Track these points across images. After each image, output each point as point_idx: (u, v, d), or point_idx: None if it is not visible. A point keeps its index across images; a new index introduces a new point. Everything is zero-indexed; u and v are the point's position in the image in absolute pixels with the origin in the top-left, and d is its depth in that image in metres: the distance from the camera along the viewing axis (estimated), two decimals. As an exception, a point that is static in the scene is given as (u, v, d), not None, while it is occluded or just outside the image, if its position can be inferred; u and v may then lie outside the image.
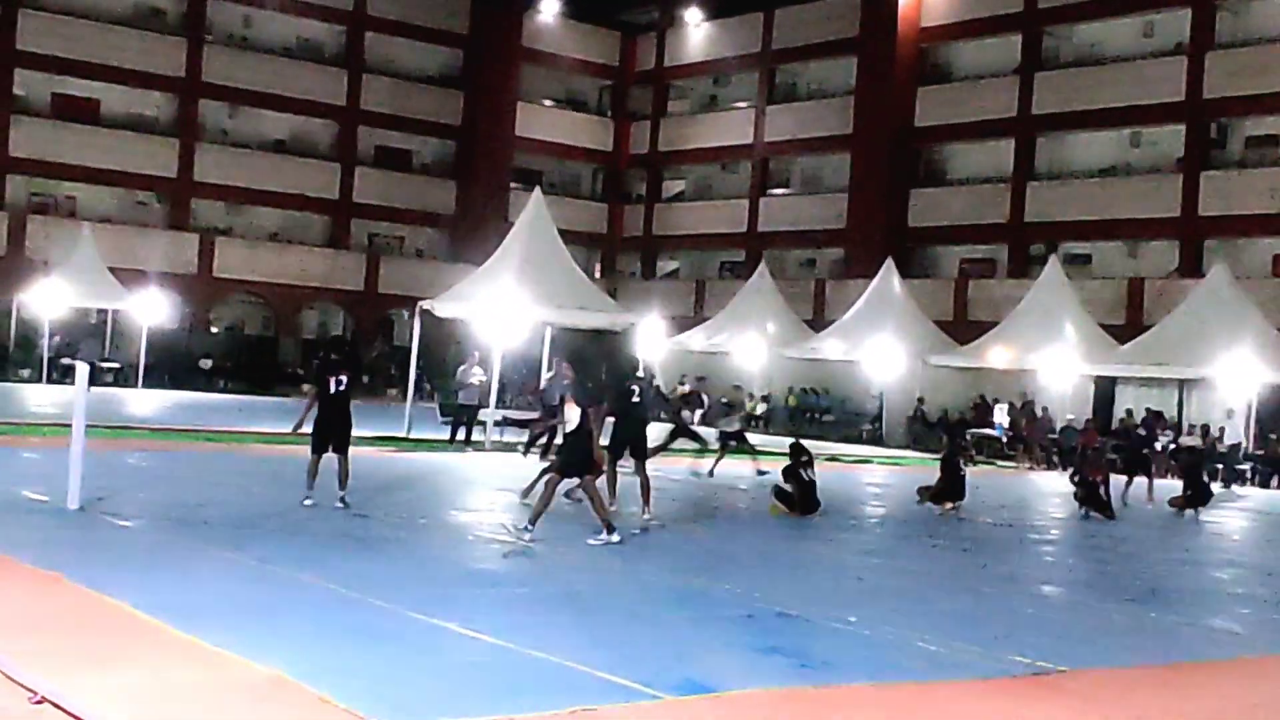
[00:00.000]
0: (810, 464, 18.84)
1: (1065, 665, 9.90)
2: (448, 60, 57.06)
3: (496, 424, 27.63)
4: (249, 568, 11.60)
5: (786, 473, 18.98)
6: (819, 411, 44.19)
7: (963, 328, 40.95)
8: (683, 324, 44.03)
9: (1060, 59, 47.01)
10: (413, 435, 26.82)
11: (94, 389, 14.91)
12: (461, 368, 27.14)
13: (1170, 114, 42.79)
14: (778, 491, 19.07)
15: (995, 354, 36.71)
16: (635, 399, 17.31)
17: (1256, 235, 40.93)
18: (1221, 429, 34.61)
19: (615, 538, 13.98)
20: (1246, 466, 32.89)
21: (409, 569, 12.24)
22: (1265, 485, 32.34)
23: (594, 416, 14.32)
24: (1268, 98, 40.60)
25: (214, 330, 50.01)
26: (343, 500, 15.49)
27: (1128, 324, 38.40)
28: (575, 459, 14.32)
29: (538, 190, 31.06)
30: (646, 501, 16.91)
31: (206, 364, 45.83)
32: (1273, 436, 33.27)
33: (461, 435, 26.55)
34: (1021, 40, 47.14)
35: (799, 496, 18.66)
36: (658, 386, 28.24)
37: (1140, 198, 43.23)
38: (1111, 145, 45.50)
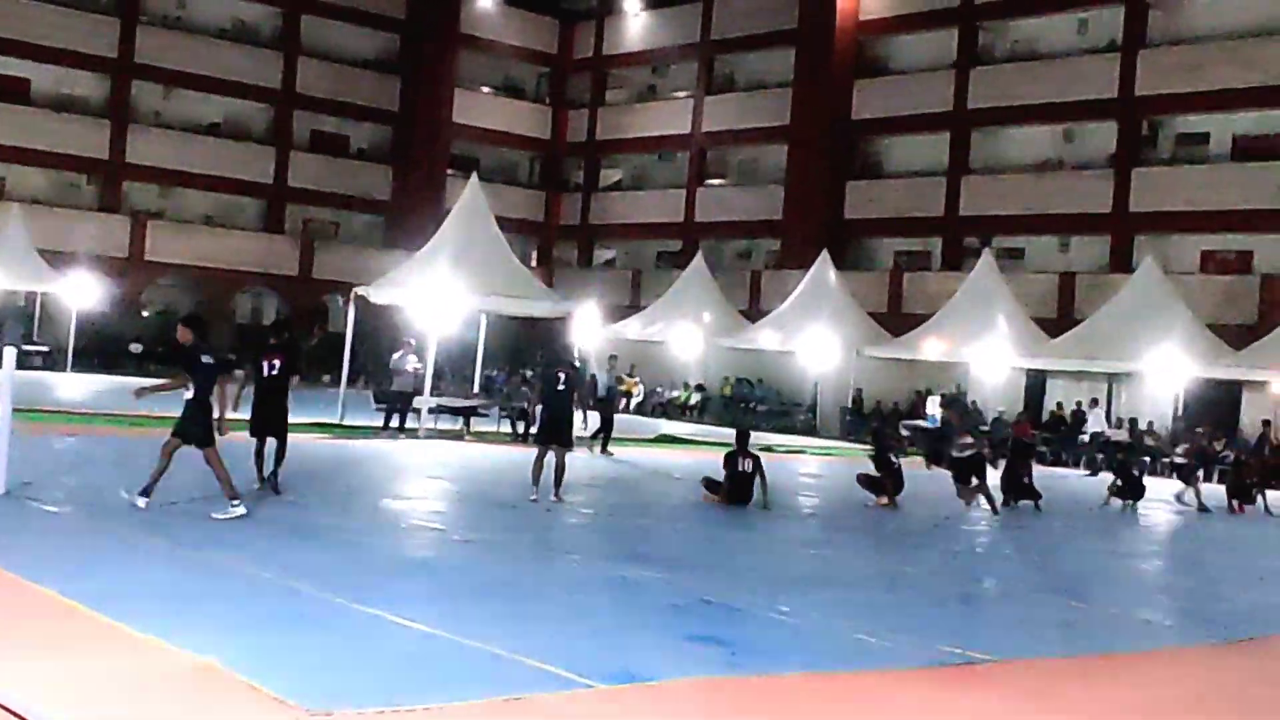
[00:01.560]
0: (747, 455, 18.84)
1: (996, 655, 9.99)
2: (385, 45, 56.66)
3: (431, 411, 27.54)
4: (179, 554, 11.49)
5: (726, 460, 19.01)
6: (754, 402, 44.36)
7: (897, 320, 41.23)
8: (619, 313, 44.04)
9: (996, 54, 47.36)
10: (346, 422, 26.66)
11: (21, 372, 14.68)
12: (396, 355, 27.03)
13: (1103, 111, 43.23)
14: (708, 481, 19.11)
15: (929, 346, 37.01)
16: (560, 387, 17.29)
17: (1185, 231, 41.42)
18: (1084, 416, 35.47)
19: (241, 510, 13.30)
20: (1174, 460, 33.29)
21: (341, 556, 12.17)
22: (1188, 479, 32.69)
23: (221, 385, 13.75)
24: (1198, 96, 41.12)
25: (145, 314, 49.43)
26: (274, 476, 15.48)
27: (1059, 318, 38.80)
28: (192, 429, 13.48)
29: (474, 177, 30.90)
30: (558, 485, 16.93)
31: (137, 348, 45.27)
32: (1199, 430, 33.71)
33: (396, 422, 26.45)
34: (958, 35, 47.45)
35: (731, 486, 18.69)
36: (593, 375, 28.11)
37: (1073, 193, 43.63)
38: (1045, 141, 45.90)
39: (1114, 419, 36.26)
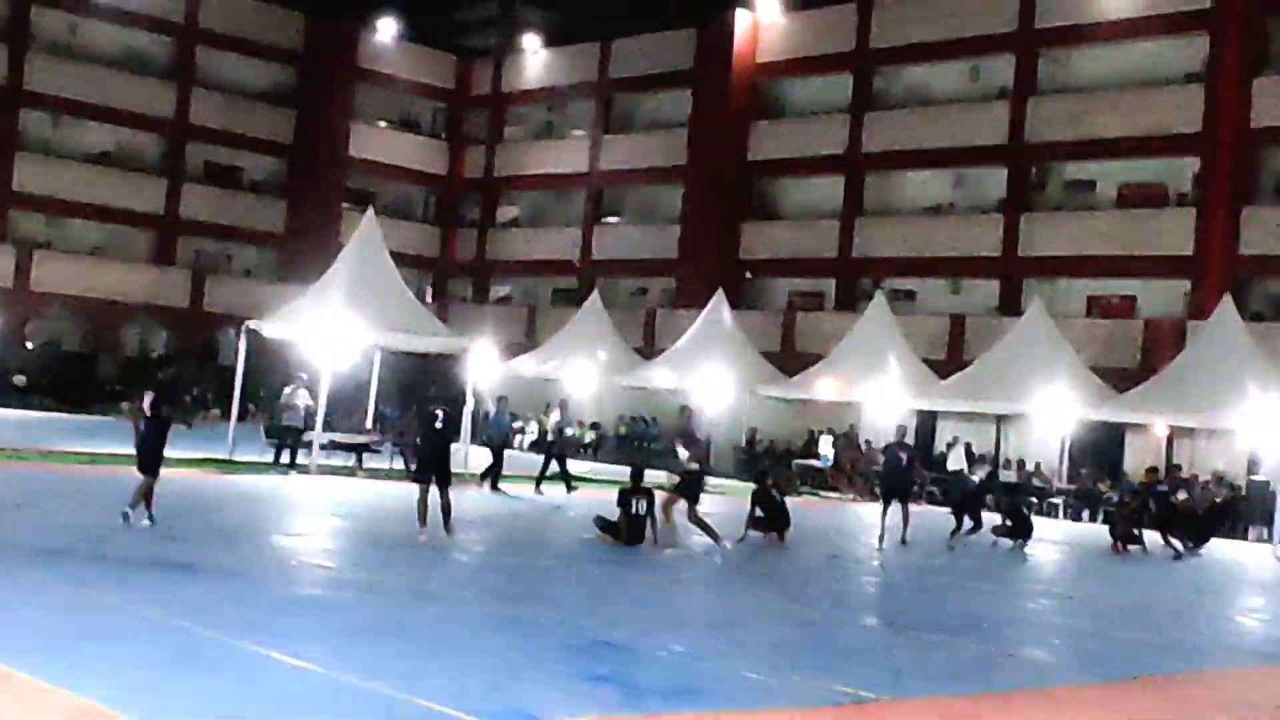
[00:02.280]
0: (640, 494, 18.83)
1: (886, 694, 10.06)
2: (281, 77, 56.25)
3: (323, 447, 27.24)
4: (62, 592, 11.24)
5: (620, 499, 18.96)
6: (648, 440, 44.37)
7: (791, 359, 41.48)
8: (514, 350, 43.87)
9: (890, 99, 48.07)
10: (236, 457, 26.29)
11: (-101, 404, 14.34)
12: (286, 390, 26.74)
13: (993, 156, 43.99)
14: (601, 521, 19.04)
15: (821, 386, 37.29)
16: (438, 424, 17.20)
17: (1072, 276, 42.23)
18: (945, 454, 36.03)
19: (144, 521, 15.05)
20: (1060, 500, 33.85)
21: (229, 594, 11.97)
22: (1078, 519, 33.32)
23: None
24: (1085, 144, 42.03)
25: (30, 346, 48.40)
26: (149, 517, 15.44)
27: (949, 359, 39.34)
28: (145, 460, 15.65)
29: (370, 211, 30.73)
30: (446, 521, 16.84)
31: (21, 380, 44.31)
32: (1083, 471, 34.33)
33: (286, 458, 26.14)
34: (853, 80, 48.12)
35: (625, 525, 18.66)
36: (487, 413, 28.12)
37: (963, 237, 44.34)
38: (937, 185, 46.60)
39: (1002, 460, 36.77)
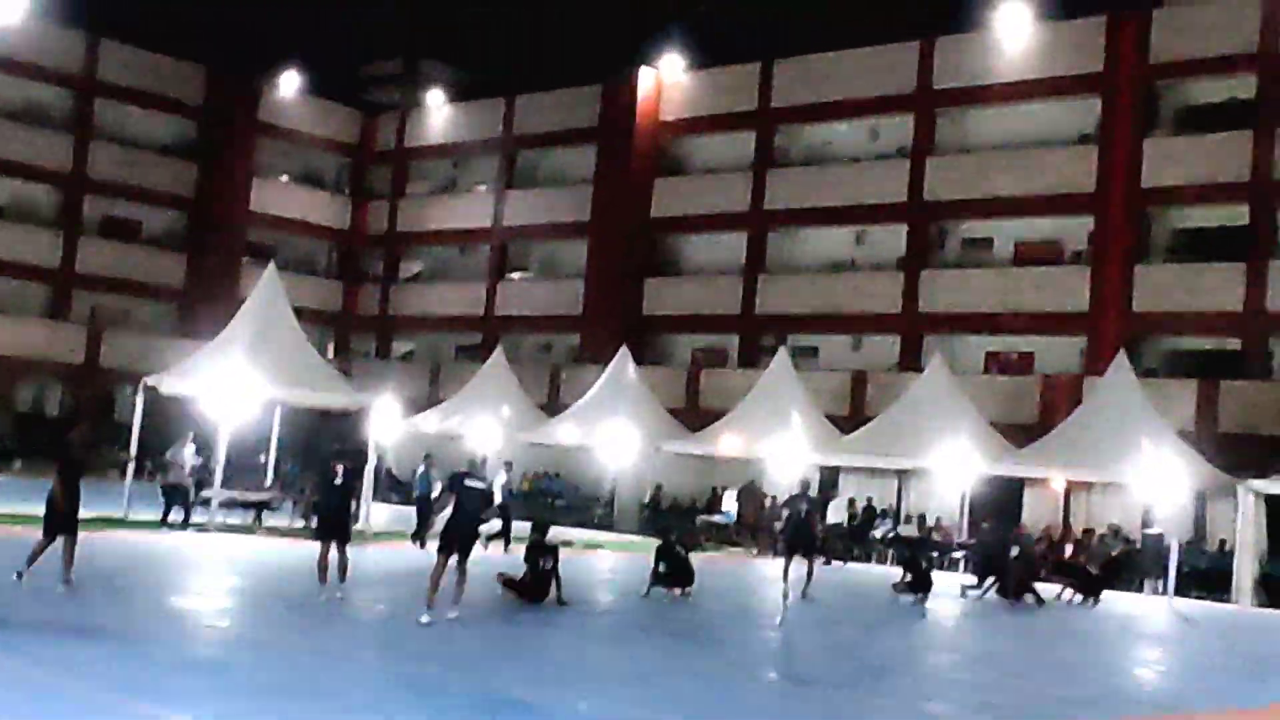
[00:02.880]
0: (546, 551, 18.73)
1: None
2: (181, 130, 55.67)
3: (222, 504, 26.84)
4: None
5: (526, 555, 18.87)
6: (553, 496, 44.20)
7: (695, 415, 41.62)
8: (418, 406, 43.58)
9: (792, 157, 48.63)
10: (132, 516, 25.81)
11: None
12: (173, 448, 26.34)
13: (893, 214, 44.57)
14: (505, 578, 18.92)
15: (725, 441, 37.41)
16: (337, 480, 17.02)
17: (971, 332, 42.81)
18: (874, 511, 36.28)
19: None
20: (961, 554, 34.11)
21: (126, 655, 11.72)
22: (977, 573, 33.50)
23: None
24: (982, 202, 42.77)
25: (-82, 402, 47.32)
26: (67, 581, 15.04)
27: (851, 415, 39.67)
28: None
29: (272, 266, 30.47)
30: (342, 576, 16.65)
31: (-92, 437, 43.32)
32: (985, 526, 34.62)
33: (179, 515, 25.72)
34: (755, 138, 48.62)
35: (530, 582, 18.55)
36: (389, 469, 27.89)
37: (864, 293, 44.82)
38: (838, 242, 47.10)
39: (903, 515, 37.05)
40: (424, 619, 14.95)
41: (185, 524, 25.51)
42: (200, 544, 23.63)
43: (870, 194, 44.87)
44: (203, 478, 27.56)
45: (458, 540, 15.62)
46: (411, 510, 28.94)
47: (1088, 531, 32.90)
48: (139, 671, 10.95)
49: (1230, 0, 39.48)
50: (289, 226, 57.35)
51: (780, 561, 22.58)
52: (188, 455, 25.97)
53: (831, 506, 33.74)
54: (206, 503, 26.63)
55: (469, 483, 16.00)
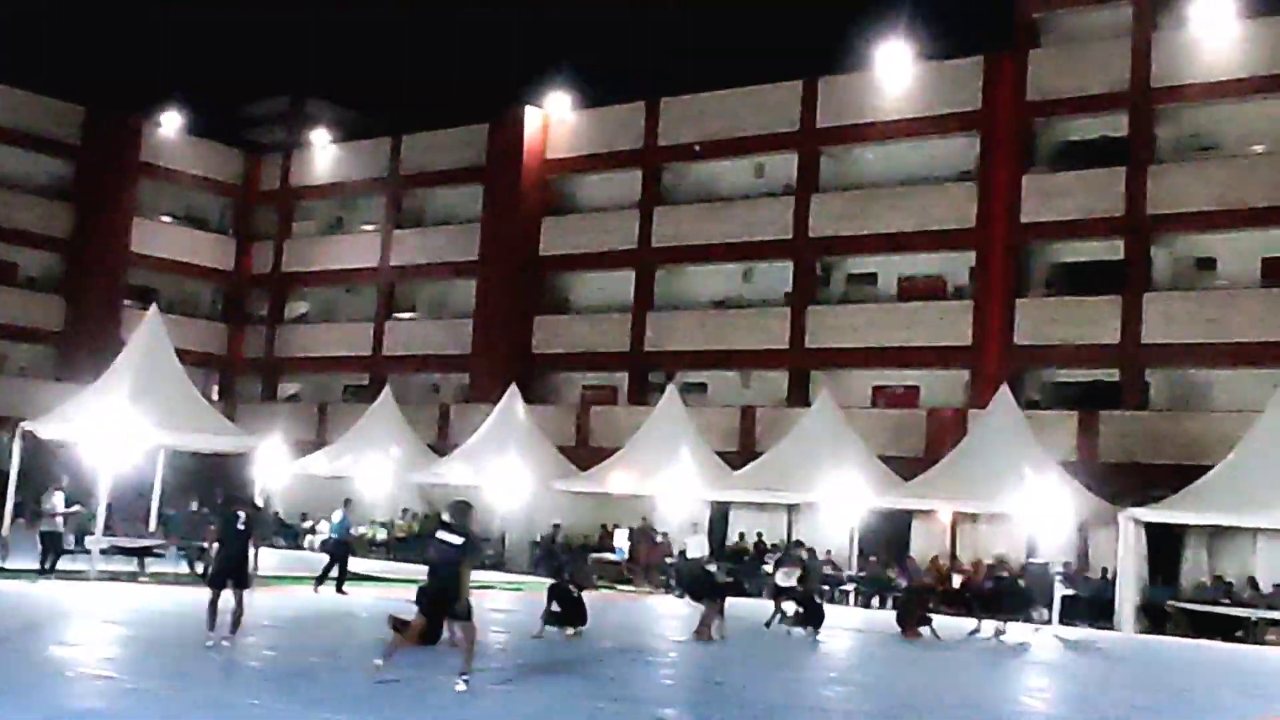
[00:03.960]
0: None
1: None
2: (59, 171, 54.71)
3: (104, 551, 26.28)
4: None
5: (418, 597, 18.62)
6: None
7: (585, 453, 41.63)
8: (305, 448, 43.12)
9: (678, 195, 48.93)
10: (9, 565, 25.18)
11: None
12: (44, 495, 25.81)
13: (779, 250, 44.98)
14: (395, 621, 18.70)
15: (616, 479, 37.43)
16: (240, 526, 16.77)
17: (858, 367, 43.26)
18: (764, 547, 36.47)
19: None
20: (851, 587, 34.39)
21: (3, 708, 11.40)
22: (867, 605, 33.86)
23: None
24: (865, 239, 43.33)
25: None
26: None
27: (741, 450, 39.91)
28: None
29: (154, 308, 30.01)
30: (235, 627, 16.37)
31: None
32: (873, 559, 34.97)
33: (51, 564, 25.16)
34: (642, 176, 48.88)
35: (422, 622, 18.33)
36: (276, 513, 27.54)
37: (752, 329, 45.15)
38: (726, 279, 47.45)
39: (787, 555, 37.12)
40: (459, 688, 14.38)
41: (48, 571, 24.84)
42: (81, 592, 23.12)
43: (756, 231, 45.28)
44: (81, 524, 26.97)
45: (430, 595, 14.98)
46: (300, 554, 28.62)
47: (976, 562, 33.33)
48: (19, 725, 10.68)
49: (1102, 41, 40.52)
50: (171, 268, 56.50)
51: (672, 599, 22.61)
52: (58, 502, 25.40)
53: (692, 543, 33.43)
54: (73, 551, 26.07)
55: (442, 535, 15.18)
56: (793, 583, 25.41)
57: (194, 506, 37.08)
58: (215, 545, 17.30)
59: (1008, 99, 41.43)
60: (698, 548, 30.39)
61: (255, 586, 19.65)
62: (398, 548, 41.73)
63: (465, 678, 14.45)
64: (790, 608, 24.85)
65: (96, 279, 53.70)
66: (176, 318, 46.93)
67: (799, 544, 31.04)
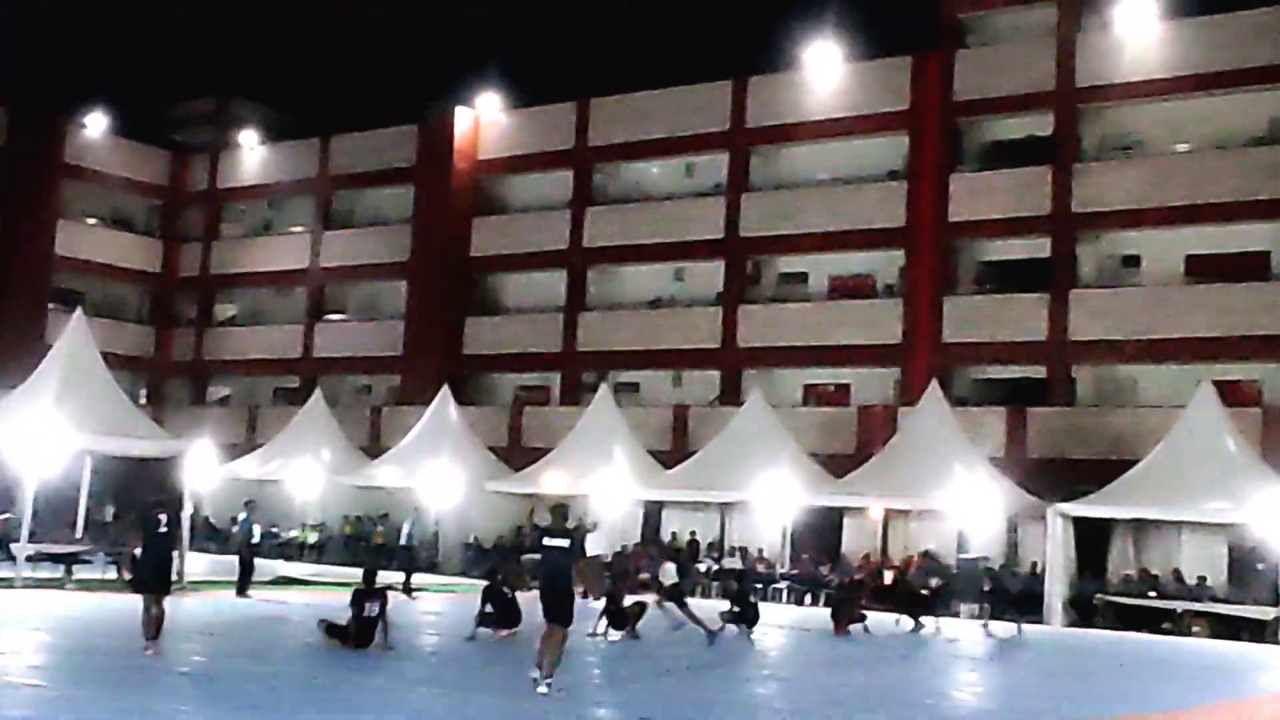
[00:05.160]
0: (373, 596, 18.50)
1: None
2: (-19, 173, 53.95)
3: (29, 558, 25.93)
4: None
5: (353, 600, 18.56)
6: (367, 540, 43.60)
7: (518, 454, 41.60)
8: (235, 451, 42.78)
9: (609, 195, 48.97)
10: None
11: None
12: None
13: (711, 250, 45.15)
14: (327, 625, 18.62)
15: (549, 479, 37.41)
16: (161, 529, 16.61)
17: (789, 366, 43.50)
18: (697, 545, 36.55)
19: None
20: (784, 585, 34.55)
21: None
22: (801, 603, 34.04)
23: None
24: (796, 238, 43.59)
25: None
26: None
27: (674, 449, 40.02)
28: None
29: (79, 312, 29.63)
30: (157, 630, 16.22)
31: None
32: (805, 556, 35.15)
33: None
34: (573, 176, 48.88)
35: (355, 628, 18.28)
36: (206, 517, 27.33)
37: (684, 329, 45.28)
38: (658, 278, 47.54)
39: (727, 547, 37.36)
40: (541, 689, 14.39)
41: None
42: (6, 599, 22.81)
43: (688, 231, 45.44)
44: (6, 531, 26.61)
45: (546, 604, 14.77)
46: (229, 559, 28.42)
47: (908, 558, 33.62)
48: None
49: (1028, 41, 41.00)
50: (97, 270, 55.87)
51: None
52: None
53: (590, 539, 33.41)
54: (12, 558, 25.71)
55: (549, 542, 15.02)
56: (675, 579, 25.23)
57: (109, 516, 36.70)
58: (139, 550, 17.13)
59: (935, 99, 41.80)
60: (595, 545, 30.41)
61: (184, 591, 19.59)
62: (331, 550, 41.54)
63: (549, 680, 14.46)
64: (662, 608, 24.67)
65: (21, 282, 52.96)
66: (103, 321, 46.42)
67: (655, 539, 30.41)
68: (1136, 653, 26.18)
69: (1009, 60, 40.99)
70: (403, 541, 29.79)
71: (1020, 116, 41.19)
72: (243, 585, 26.51)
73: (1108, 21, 39.75)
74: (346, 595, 18.92)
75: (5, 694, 13.23)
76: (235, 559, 27.51)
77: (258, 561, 28.39)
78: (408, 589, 28.16)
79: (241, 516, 28.15)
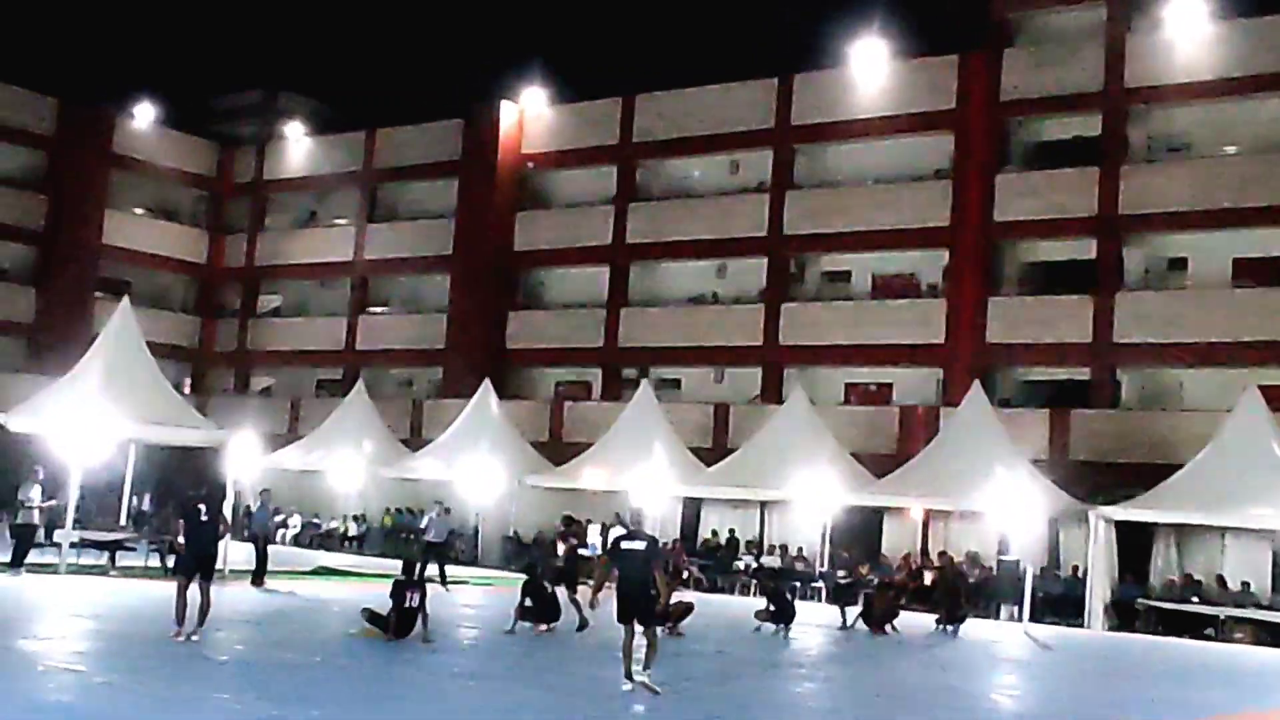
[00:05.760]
0: (414, 587, 18.57)
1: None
2: (31, 162, 54.36)
3: (74, 545, 26.14)
4: None
5: (394, 591, 18.64)
6: (414, 532, 43.78)
7: (558, 449, 41.63)
8: (277, 442, 43.00)
9: (653, 191, 48.96)
10: (-22, 558, 25.06)
11: None
12: (21, 487, 25.64)
13: (754, 247, 45.07)
14: (369, 614, 18.70)
15: (589, 475, 37.43)
16: (203, 519, 16.72)
17: (831, 364, 43.38)
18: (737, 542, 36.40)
19: None
20: (821, 585, 34.45)
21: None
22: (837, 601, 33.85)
23: None
24: (839, 236, 43.46)
25: None
26: None
27: (714, 446, 39.96)
28: None
29: (125, 300, 29.85)
30: (202, 618, 16.33)
31: None
32: (845, 555, 35.04)
33: (25, 556, 25.02)
34: (616, 172, 48.88)
35: (395, 618, 18.35)
36: (247, 506, 27.47)
37: (726, 326, 45.23)
38: (700, 275, 47.49)
39: (766, 545, 37.32)
40: (626, 686, 14.41)
41: (17, 564, 24.69)
42: (50, 586, 23.01)
43: (731, 228, 45.36)
44: (52, 518, 26.84)
45: (627, 608, 14.77)
46: (271, 548, 28.50)
47: (944, 555, 33.45)
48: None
49: (1076, 41, 40.70)
50: (144, 260, 56.26)
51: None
52: (35, 494, 25.25)
53: (614, 535, 33.30)
54: (47, 545, 25.91)
55: (627, 545, 15.11)
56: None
57: (146, 504, 36.88)
58: (182, 540, 17.24)
59: (982, 98, 41.56)
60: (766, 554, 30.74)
61: (224, 580, 19.69)
62: (371, 541, 41.73)
63: (649, 672, 14.47)
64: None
65: (68, 271, 53.44)
66: (148, 310, 46.67)
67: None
68: (1177, 658, 25.99)
69: (1057, 60, 40.70)
70: (429, 537, 29.60)
71: (1067, 116, 40.92)
72: (259, 575, 26.53)
73: (1157, 22, 39.43)
74: (385, 587, 18.99)
75: (49, 679, 13.35)
76: (275, 548, 27.59)
77: (295, 551, 28.53)
78: (443, 581, 28.22)
79: (256, 506, 28.19)
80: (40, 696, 12.30)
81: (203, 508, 16.76)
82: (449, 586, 28.38)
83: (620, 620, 14.78)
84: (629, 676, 14.50)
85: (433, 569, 26.97)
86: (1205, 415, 34.34)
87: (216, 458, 29.21)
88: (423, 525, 32.19)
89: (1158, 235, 39.37)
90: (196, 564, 16.64)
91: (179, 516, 17.22)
